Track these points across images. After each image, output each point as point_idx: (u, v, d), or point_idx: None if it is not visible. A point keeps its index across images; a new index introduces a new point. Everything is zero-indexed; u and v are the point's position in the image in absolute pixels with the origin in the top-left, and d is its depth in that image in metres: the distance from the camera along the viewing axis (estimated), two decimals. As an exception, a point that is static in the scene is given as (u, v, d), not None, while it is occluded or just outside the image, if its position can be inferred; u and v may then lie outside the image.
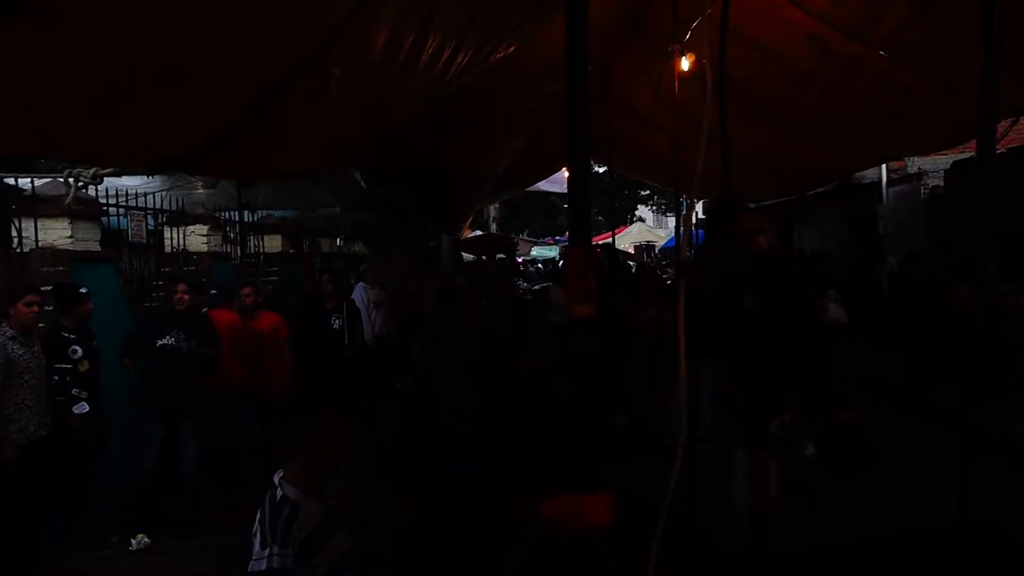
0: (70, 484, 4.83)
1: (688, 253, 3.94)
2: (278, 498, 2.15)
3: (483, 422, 7.41)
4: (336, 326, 6.94)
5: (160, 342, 5.14)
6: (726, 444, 3.76)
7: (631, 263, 19.41)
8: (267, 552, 2.05)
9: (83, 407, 4.79)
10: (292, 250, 10.17)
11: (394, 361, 8.75)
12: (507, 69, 5.54)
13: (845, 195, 13.65)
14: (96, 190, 6.23)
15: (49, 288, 5.21)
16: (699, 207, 11.11)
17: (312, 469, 2.24)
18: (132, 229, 6.88)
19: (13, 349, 4.27)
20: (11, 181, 8.23)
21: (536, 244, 32.26)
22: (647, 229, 32.78)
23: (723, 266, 3.74)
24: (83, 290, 4.94)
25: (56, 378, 4.57)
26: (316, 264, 10.10)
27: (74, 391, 4.77)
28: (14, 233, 5.75)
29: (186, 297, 5.30)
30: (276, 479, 2.22)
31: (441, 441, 6.77)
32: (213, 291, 6.07)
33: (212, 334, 5.49)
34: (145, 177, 8.95)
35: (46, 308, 5.09)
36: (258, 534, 2.11)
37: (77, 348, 4.80)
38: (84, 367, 4.83)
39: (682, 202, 6.99)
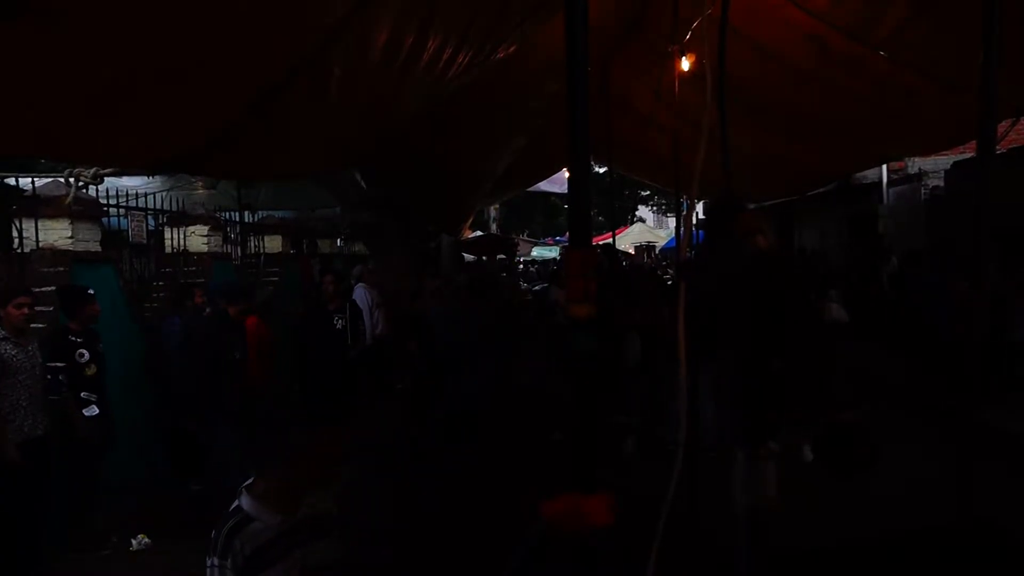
0: (72, 484, 4.84)
1: (688, 253, 3.94)
2: (231, 508, 2.10)
3: (489, 420, 7.46)
4: (339, 327, 6.95)
5: (237, 356, 5.42)
6: (726, 444, 3.77)
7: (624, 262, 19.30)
8: (208, 563, 2.01)
9: (93, 410, 4.81)
10: (292, 251, 10.17)
11: (394, 361, 8.75)
12: (507, 69, 5.54)
13: (845, 195, 13.65)
14: (96, 190, 6.23)
15: (49, 289, 5.21)
16: (699, 207, 11.11)
17: (285, 486, 2.16)
18: (132, 230, 6.88)
19: (6, 350, 4.26)
20: (11, 181, 8.25)
21: (536, 244, 32.25)
22: (647, 229, 32.77)
23: (723, 266, 3.73)
24: (90, 291, 4.96)
25: (49, 377, 4.57)
26: (315, 266, 10.10)
27: (83, 394, 4.80)
28: (15, 233, 5.75)
29: None
30: (242, 486, 2.16)
31: (442, 441, 6.78)
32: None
33: (244, 339, 5.78)
34: (145, 177, 8.97)
35: (47, 309, 5.10)
36: (213, 541, 2.06)
37: (84, 352, 4.81)
38: (91, 371, 4.83)
39: (682, 202, 7.00)
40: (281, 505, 2.11)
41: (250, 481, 2.14)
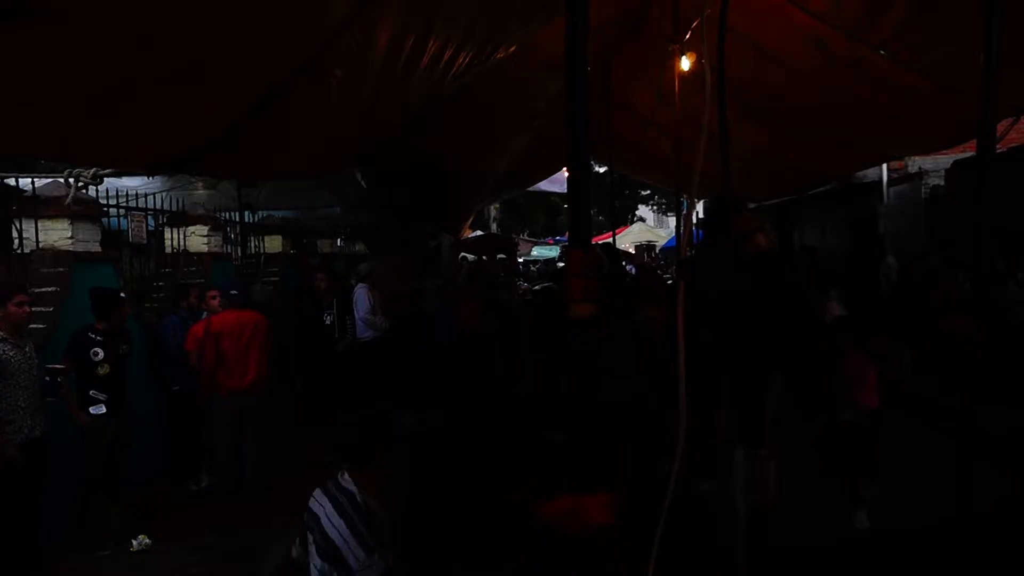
0: (76, 484, 4.85)
1: (688, 253, 3.94)
2: (365, 507, 2.14)
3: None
4: (328, 322, 7.06)
5: None
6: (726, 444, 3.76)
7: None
8: (376, 557, 2.07)
9: (100, 408, 4.82)
10: (293, 250, 10.17)
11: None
12: (508, 69, 5.54)
13: (845, 195, 13.64)
14: (96, 191, 6.23)
15: (49, 289, 5.21)
16: (699, 207, 11.10)
17: (380, 478, 2.25)
18: (132, 230, 6.88)
19: (4, 351, 4.25)
20: (12, 181, 8.26)
21: (536, 244, 32.24)
22: (648, 229, 32.76)
23: (723, 265, 3.73)
24: (122, 294, 5.08)
25: (47, 378, 4.57)
26: (314, 264, 10.10)
27: (92, 392, 4.81)
28: (15, 234, 5.75)
29: None
30: (348, 484, 2.19)
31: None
32: (234, 292, 6.03)
33: None
34: (145, 178, 8.96)
35: (47, 309, 5.10)
36: (356, 540, 2.07)
37: (99, 350, 4.82)
38: (104, 370, 4.84)
39: (682, 202, 7.00)
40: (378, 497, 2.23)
41: (350, 479, 2.20)
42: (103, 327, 4.89)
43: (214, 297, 5.90)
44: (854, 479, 4.83)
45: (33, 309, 4.56)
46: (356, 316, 7.75)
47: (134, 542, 4.86)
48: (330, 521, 2.12)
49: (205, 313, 5.98)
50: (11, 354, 4.28)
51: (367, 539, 2.07)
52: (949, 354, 7.00)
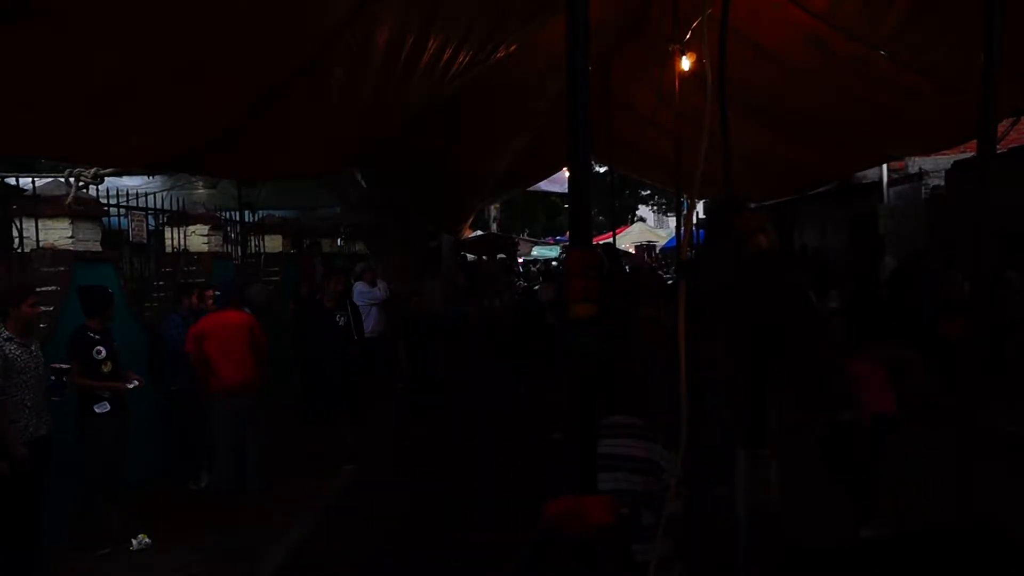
0: (79, 482, 4.86)
1: (688, 253, 3.93)
2: None
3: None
4: (342, 323, 6.97)
5: None
6: (726, 444, 3.76)
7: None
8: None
9: (104, 406, 4.86)
10: (293, 250, 10.17)
11: (392, 361, 8.77)
12: (508, 69, 5.55)
13: (845, 195, 13.64)
14: (97, 190, 6.23)
15: (49, 288, 5.22)
16: (700, 207, 11.10)
17: None
18: (133, 229, 6.88)
19: (11, 350, 4.28)
20: (12, 181, 8.26)
21: (536, 244, 32.24)
22: (648, 229, 32.75)
23: (723, 265, 3.73)
24: (110, 291, 5.10)
25: (52, 378, 4.58)
26: (316, 264, 10.10)
27: (97, 391, 4.84)
28: (15, 233, 5.76)
29: None
30: None
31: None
32: (217, 292, 6.02)
33: None
34: (146, 177, 8.96)
35: (47, 308, 5.11)
36: None
37: (101, 348, 4.87)
38: (107, 367, 4.88)
39: (682, 202, 6.99)
40: None
41: None
42: (97, 325, 4.90)
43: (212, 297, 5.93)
44: (856, 484, 4.82)
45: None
46: (361, 307, 7.76)
47: (134, 541, 4.86)
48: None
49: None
50: (17, 353, 4.31)
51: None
52: (948, 354, 7.00)
